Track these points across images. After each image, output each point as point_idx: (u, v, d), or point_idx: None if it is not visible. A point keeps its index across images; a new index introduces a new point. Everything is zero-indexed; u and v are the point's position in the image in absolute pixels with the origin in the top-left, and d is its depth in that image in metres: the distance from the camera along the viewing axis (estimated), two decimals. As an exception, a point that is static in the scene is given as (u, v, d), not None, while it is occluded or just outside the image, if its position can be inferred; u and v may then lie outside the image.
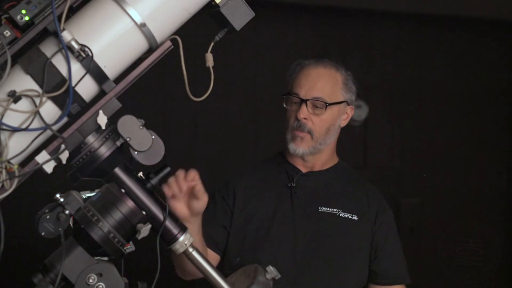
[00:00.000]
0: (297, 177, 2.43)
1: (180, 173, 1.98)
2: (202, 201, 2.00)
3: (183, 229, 1.78)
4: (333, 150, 2.50)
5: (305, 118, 2.35)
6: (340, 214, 2.38)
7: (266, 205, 2.41)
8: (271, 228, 2.37)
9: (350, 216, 2.38)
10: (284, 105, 2.42)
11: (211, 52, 1.77)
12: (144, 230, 1.71)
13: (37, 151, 1.65)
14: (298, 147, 2.38)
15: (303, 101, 2.36)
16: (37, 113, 1.61)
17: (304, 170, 2.45)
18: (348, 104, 2.45)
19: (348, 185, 2.47)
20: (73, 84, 1.63)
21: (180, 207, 1.99)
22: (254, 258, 2.26)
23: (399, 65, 5.12)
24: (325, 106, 2.36)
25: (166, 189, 1.92)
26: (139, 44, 1.71)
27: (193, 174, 1.97)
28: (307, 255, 2.34)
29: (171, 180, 1.96)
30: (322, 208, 2.39)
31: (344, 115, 2.45)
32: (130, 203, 1.71)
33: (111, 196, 1.71)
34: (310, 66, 2.42)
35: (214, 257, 2.39)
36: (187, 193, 1.99)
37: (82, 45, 1.62)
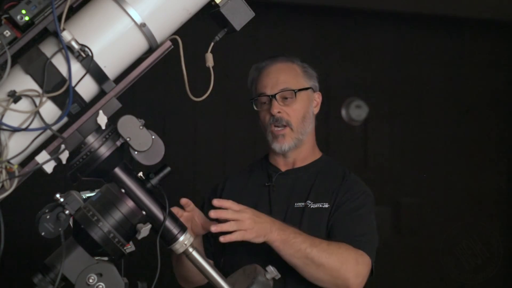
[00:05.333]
0: (276, 176, 2.45)
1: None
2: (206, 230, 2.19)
3: (183, 229, 1.78)
4: (313, 144, 2.52)
5: (279, 112, 2.40)
6: (311, 206, 2.38)
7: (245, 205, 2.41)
8: None
9: (320, 205, 2.37)
10: (255, 108, 2.47)
11: (211, 52, 1.77)
12: (144, 230, 1.71)
13: (37, 151, 1.66)
14: (283, 144, 2.42)
15: (272, 96, 2.41)
16: (37, 113, 1.61)
17: (284, 169, 2.48)
18: (314, 91, 2.50)
19: (323, 176, 2.45)
20: (73, 84, 1.63)
21: None
22: (234, 257, 2.30)
23: (399, 65, 5.12)
24: (294, 94, 2.42)
25: None
26: (139, 44, 1.71)
27: (185, 202, 2.16)
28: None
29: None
30: (298, 204, 2.40)
31: (314, 102, 2.50)
32: (130, 203, 1.71)
33: (111, 196, 1.71)
34: (267, 66, 2.49)
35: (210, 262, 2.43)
36: (188, 222, 2.16)
37: (82, 45, 1.62)
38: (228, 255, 2.37)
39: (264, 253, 2.27)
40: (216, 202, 2.09)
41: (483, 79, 5.16)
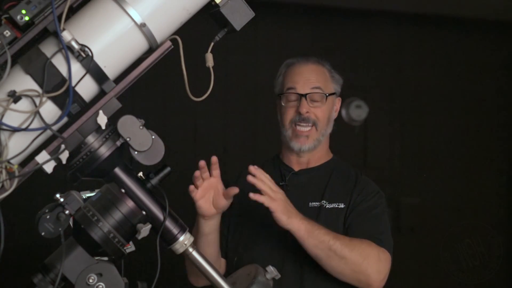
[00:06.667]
0: (289, 175, 2.46)
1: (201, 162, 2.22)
2: (229, 200, 2.24)
3: (183, 229, 1.78)
4: (327, 145, 2.54)
5: (307, 112, 2.41)
6: (327, 206, 2.39)
7: (259, 205, 2.42)
8: (264, 226, 2.39)
9: (336, 206, 2.39)
10: (283, 104, 2.46)
11: (211, 52, 1.77)
12: (144, 230, 1.71)
13: (37, 151, 1.66)
14: (304, 144, 2.43)
15: (302, 95, 2.41)
16: (37, 113, 1.61)
17: (297, 168, 2.49)
18: (336, 96, 2.52)
19: (336, 177, 2.48)
20: (73, 84, 1.63)
21: (204, 205, 2.22)
22: (249, 256, 2.30)
23: (399, 65, 5.12)
24: (324, 97, 2.43)
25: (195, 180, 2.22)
26: (139, 44, 1.71)
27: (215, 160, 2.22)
28: (297, 250, 2.34)
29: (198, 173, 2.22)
30: (312, 204, 2.41)
31: (334, 107, 2.51)
32: (130, 203, 1.71)
33: (111, 196, 1.71)
34: (299, 63, 2.49)
35: (223, 261, 2.45)
36: (211, 191, 2.22)
37: (82, 45, 1.62)
38: (242, 253, 2.38)
39: (278, 252, 2.29)
40: (252, 169, 2.17)
41: (483, 79, 5.16)
